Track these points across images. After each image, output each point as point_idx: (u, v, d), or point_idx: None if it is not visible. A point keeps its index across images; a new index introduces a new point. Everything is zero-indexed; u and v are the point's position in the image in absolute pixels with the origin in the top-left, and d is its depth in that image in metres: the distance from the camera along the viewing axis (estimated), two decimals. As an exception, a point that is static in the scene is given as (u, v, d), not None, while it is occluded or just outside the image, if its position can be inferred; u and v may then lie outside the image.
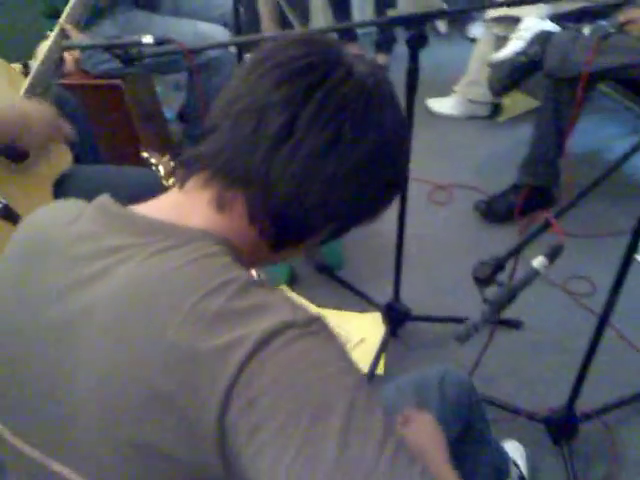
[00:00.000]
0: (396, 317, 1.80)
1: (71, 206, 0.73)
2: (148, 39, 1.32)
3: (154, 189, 1.26)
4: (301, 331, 0.57)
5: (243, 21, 2.10)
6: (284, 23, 2.91)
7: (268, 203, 0.66)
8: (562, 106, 2.05)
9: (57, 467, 0.65)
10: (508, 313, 0.96)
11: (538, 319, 1.86)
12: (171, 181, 1.13)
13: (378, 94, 0.68)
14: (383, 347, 1.76)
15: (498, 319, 1.09)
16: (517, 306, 0.95)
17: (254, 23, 2.94)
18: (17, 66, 1.48)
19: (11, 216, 1.23)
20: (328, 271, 2.03)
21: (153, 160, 1.15)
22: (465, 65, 2.73)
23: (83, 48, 1.38)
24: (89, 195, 0.75)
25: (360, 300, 1.92)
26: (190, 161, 0.69)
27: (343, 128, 0.64)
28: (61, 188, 1.38)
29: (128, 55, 1.33)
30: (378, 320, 1.83)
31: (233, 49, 2.22)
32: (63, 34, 1.38)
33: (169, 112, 2.66)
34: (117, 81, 2.11)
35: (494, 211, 2.22)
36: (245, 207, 0.66)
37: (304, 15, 2.88)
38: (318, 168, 0.65)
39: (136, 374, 0.57)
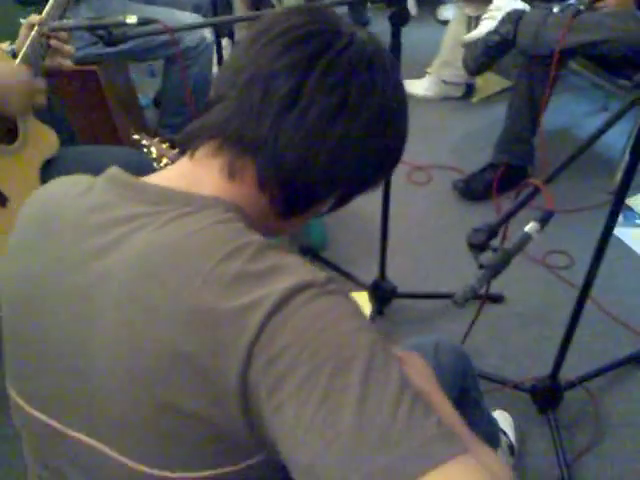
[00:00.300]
0: (382, 295, 1.83)
1: (81, 179, 0.73)
2: (132, 19, 1.31)
3: (142, 167, 1.26)
4: (319, 290, 0.58)
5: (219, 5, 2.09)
6: (256, 7, 2.90)
7: (277, 169, 0.67)
8: (535, 84, 2.09)
9: (75, 434, 0.65)
10: (490, 288, 0.98)
11: (520, 293, 1.90)
12: (163, 162, 1.13)
13: (379, 60, 0.69)
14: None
15: (484, 292, 1.12)
16: (499, 281, 0.97)
17: (227, 8, 2.92)
18: (2, 45, 1.45)
19: (1, 198, 1.23)
20: (312, 252, 2.04)
21: (145, 142, 1.14)
22: (436, 47, 2.76)
23: (67, 29, 1.35)
24: (74, 172, 0.75)
25: (346, 280, 1.94)
26: (199, 130, 0.70)
27: (349, 92, 0.66)
28: (48, 170, 1.37)
29: (111, 36, 1.32)
30: (365, 299, 1.85)
31: (210, 38, 2.20)
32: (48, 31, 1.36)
33: (144, 99, 2.63)
34: (93, 67, 2.08)
35: (472, 189, 2.26)
36: (255, 174, 0.67)
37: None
38: (325, 132, 0.66)
39: (157, 336, 0.58)
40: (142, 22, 1.32)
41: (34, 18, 1.37)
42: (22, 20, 1.99)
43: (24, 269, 0.69)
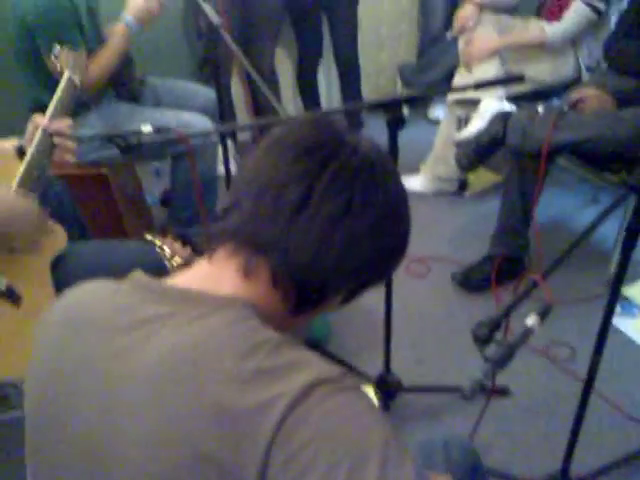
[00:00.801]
0: (388, 389, 1.83)
1: (107, 283, 0.77)
2: (147, 128, 1.40)
3: (152, 261, 1.30)
4: (335, 386, 0.61)
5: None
6: (257, 113, 3.06)
7: (290, 268, 0.71)
8: (526, 179, 2.19)
9: None
10: (495, 381, 1.00)
11: (525, 386, 1.90)
12: (175, 260, 1.18)
13: (381, 166, 0.75)
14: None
15: (490, 386, 1.14)
16: (503, 373, 0.99)
17: (230, 110, 3.07)
18: (11, 141, 1.52)
19: (13, 297, 1.26)
20: (316, 345, 2.05)
21: (158, 242, 1.20)
22: (428, 145, 2.89)
23: (89, 139, 1.44)
24: (88, 272, 0.79)
25: (350, 374, 1.94)
26: (217, 235, 0.75)
27: (354, 196, 0.71)
28: (59, 267, 1.41)
29: (128, 144, 1.40)
30: (370, 394, 1.85)
31: (214, 137, 2.32)
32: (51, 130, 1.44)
33: (151, 198, 2.72)
34: (103, 170, 2.18)
35: (471, 281, 2.31)
36: (269, 273, 0.72)
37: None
38: (333, 233, 0.71)
39: (178, 436, 0.60)
40: (157, 130, 1.41)
41: (39, 117, 1.45)
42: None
43: (49, 370, 0.72)
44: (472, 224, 2.71)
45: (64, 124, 1.43)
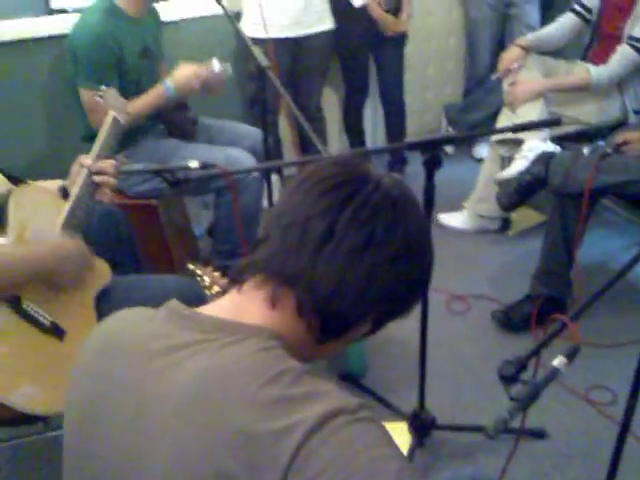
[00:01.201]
0: (422, 426, 1.83)
1: (143, 310, 0.83)
2: (194, 163, 1.48)
3: (192, 295, 1.35)
4: (351, 417, 0.64)
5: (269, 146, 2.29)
6: (303, 149, 3.14)
7: (314, 298, 0.75)
8: (568, 220, 2.18)
9: None
10: (532, 422, 1.01)
11: (562, 429, 1.87)
12: (214, 290, 1.23)
13: (403, 201, 0.79)
14: (410, 458, 1.77)
15: (521, 426, 1.14)
16: (540, 415, 0.99)
17: (278, 148, 3.16)
18: (56, 182, 1.59)
19: (58, 332, 1.29)
20: (352, 379, 2.07)
21: (198, 271, 1.26)
22: (472, 183, 2.91)
23: (138, 173, 1.53)
24: (132, 305, 0.85)
25: (384, 408, 1.95)
26: (246, 267, 0.80)
27: (375, 231, 0.75)
28: (103, 301, 1.45)
29: (175, 178, 1.49)
30: (404, 430, 1.86)
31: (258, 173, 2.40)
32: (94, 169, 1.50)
33: (198, 229, 2.82)
34: (154, 201, 2.28)
35: (511, 320, 2.29)
36: (294, 303, 0.76)
37: (323, 142, 3.10)
38: (355, 265, 0.74)
39: (203, 456, 0.64)
40: (204, 166, 1.49)
41: (84, 158, 1.52)
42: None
43: (85, 394, 0.78)
44: (514, 263, 2.70)
45: (108, 164, 1.50)
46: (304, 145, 3.16)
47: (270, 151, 2.14)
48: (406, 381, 1.98)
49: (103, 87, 1.65)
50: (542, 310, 2.23)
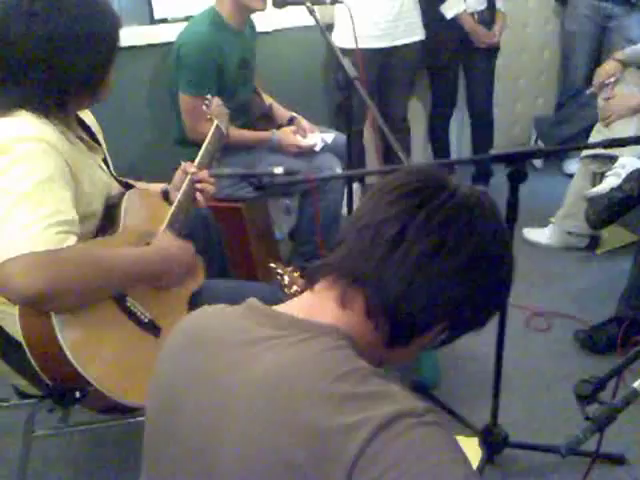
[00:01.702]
0: (494, 443, 1.80)
1: (224, 307, 0.87)
2: (279, 170, 1.53)
3: (273, 300, 1.39)
4: (418, 419, 0.66)
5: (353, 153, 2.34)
6: (386, 158, 3.16)
7: (382, 300, 0.77)
8: (662, 241, 2.09)
9: None
10: (610, 446, 0.98)
11: (643, 456, 1.79)
12: (293, 289, 1.27)
13: (479, 210, 0.79)
14: (480, 473, 1.75)
15: (598, 452, 1.11)
16: (622, 441, 0.96)
17: (361, 156, 3.19)
18: (159, 185, 1.68)
19: (155, 330, 1.36)
20: (424, 390, 2.06)
21: (279, 270, 1.31)
22: (560, 198, 2.83)
23: (226, 176, 1.60)
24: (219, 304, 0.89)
25: (456, 422, 1.93)
26: (320, 267, 0.83)
27: (446, 237, 0.76)
28: (194, 301, 1.51)
29: (261, 183, 1.55)
30: (475, 444, 1.83)
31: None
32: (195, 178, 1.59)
33: (279, 233, 2.89)
34: (239, 204, 2.37)
35: (595, 342, 2.21)
36: (363, 304, 0.78)
37: (406, 153, 3.11)
38: (424, 270, 0.76)
39: (273, 446, 0.67)
40: (287, 172, 1.54)
41: (189, 166, 1.61)
42: (183, 163, 2.33)
43: (166, 385, 0.83)
44: (600, 283, 2.60)
45: (206, 174, 1.59)
46: (387, 155, 3.18)
47: (353, 159, 2.17)
48: (480, 396, 1.95)
49: (209, 96, 1.73)
50: (628, 333, 2.15)
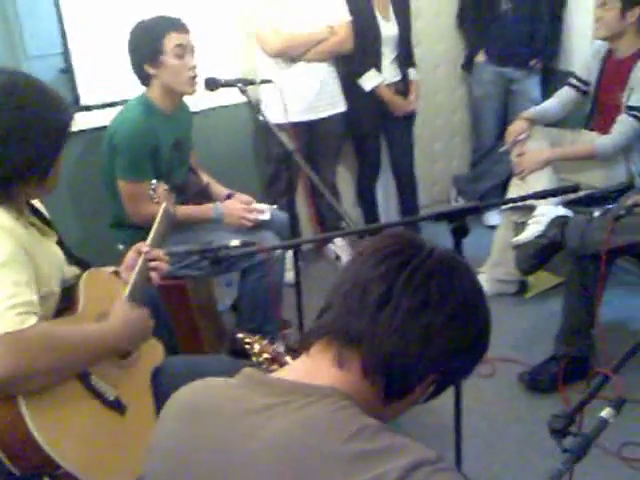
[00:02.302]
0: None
1: (219, 379, 0.89)
2: (236, 242, 1.57)
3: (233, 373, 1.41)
4: (433, 467, 0.69)
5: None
6: (321, 225, 3.26)
7: (377, 357, 0.81)
8: (587, 280, 2.25)
9: None
10: None
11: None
12: (264, 356, 1.30)
13: (456, 266, 0.86)
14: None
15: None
16: (575, 475, 1.03)
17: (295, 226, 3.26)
18: (109, 268, 1.67)
19: (120, 407, 1.35)
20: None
21: (248, 340, 1.33)
22: (484, 249, 3.00)
23: (182, 253, 1.62)
24: (182, 382, 0.91)
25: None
26: (313, 331, 0.87)
27: (430, 292, 0.82)
28: (157, 378, 1.52)
29: (217, 257, 1.57)
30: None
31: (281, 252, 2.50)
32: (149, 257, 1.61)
33: (221, 305, 2.89)
34: (183, 281, 2.36)
35: (538, 382, 2.33)
36: (359, 362, 0.81)
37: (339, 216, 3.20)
38: (414, 325, 0.81)
39: None
40: (244, 244, 1.58)
41: (142, 245, 1.63)
42: (119, 246, 2.32)
43: (170, 457, 0.83)
44: (534, 325, 2.75)
45: (161, 252, 1.62)
46: (322, 221, 3.28)
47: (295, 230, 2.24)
48: (441, 447, 1.99)
49: (154, 181, 1.76)
50: (567, 370, 2.28)
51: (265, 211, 2.44)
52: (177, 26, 2.26)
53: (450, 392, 1.71)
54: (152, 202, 1.72)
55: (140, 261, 1.58)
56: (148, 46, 2.25)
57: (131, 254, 1.63)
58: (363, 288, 0.83)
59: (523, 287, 3.00)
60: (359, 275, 0.85)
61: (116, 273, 1.63)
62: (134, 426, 1.37)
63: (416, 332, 0.81)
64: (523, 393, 2.34)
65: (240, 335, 1.36)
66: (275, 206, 2.62)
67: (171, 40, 2.23)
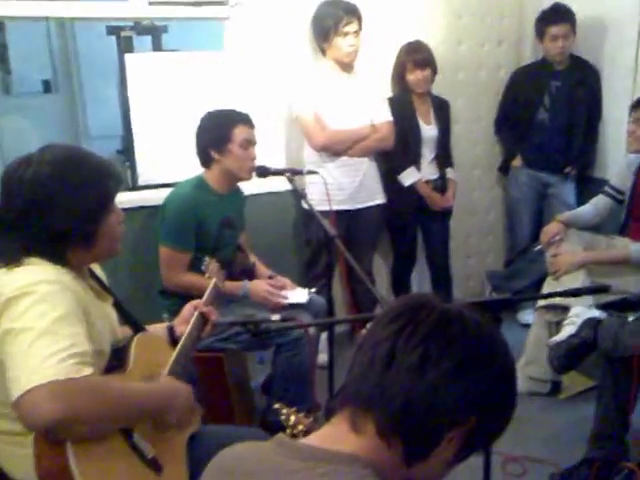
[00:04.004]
0: None
1: (257, 443, 0.96)
2: (276, 317, 1.66)
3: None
4: None
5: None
6: (357, 310, 3.32)
7: (388, 416, 0.84)
8: (620, 383, 2.24)
9: None
10: None
11: None
12: (299, 428, 1.34)
13: (457, 320, 0.87)
14: None
15: None
16: None
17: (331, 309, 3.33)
18: (163, 324, 1.78)
19: (157, 467, 1.40)
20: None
21: (284, 410, 1.38)
22: (517, 346, 3.00)
23: (226, 324, 1.72)
24: (218, 450, 0.97)
25: None
26: (335, 398, 0.93)
27: (428, 348, 0.85)
28: (193, 443, 1.57)
29: (258, 329, 1.66)
30: None
31: (313, 331, 2.58)
32: (202, 317, 1.72)
33: (254, 383, 2.92)
34: (220, 354, 2.43)
35: (569, 485, 2.28)
36: (374, 425, 0.86)
37: (374, 304, 3.26)
38: (418, 380, 0.84)
39: None
40: (284, 319, 1.67)
41: (198, 302, 1.75)
42: (164, 315, 2.42)
43: None
44: (568, 427, 2.71)
45: (212, 309, 1.72)
46: (358, 307, 3.34)
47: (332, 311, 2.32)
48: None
49: (206, 258, 1.90)
50: (599, 474, 2.23)
51: (299, 295, 2.54)
52: (247, 121, 2.50)
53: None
54: (191, 273, 1.82)
55: (194, 317, 1.69)
56: (218, 133, 2.46)
57: (188, 307, 1.76)
58: (371, 350, 0.88)
59: (557, 388, 2.97)
60: (370, 339, 0.90)
61: (171, 328, 1.73)
62: None
63: (422, 389, 0.84)
64: (554, 496, 2.29)
65: (277, 406, 1.41)
66: (314, 289, 2.72)
67: (241, 132, 2.46)
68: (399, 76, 3.30)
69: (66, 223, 1.38)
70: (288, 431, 1.40)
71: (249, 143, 2.49)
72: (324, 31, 3.03)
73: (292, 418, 1.36)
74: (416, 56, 3.22)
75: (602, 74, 3.47)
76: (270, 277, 2.69)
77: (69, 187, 1.38)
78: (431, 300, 0.91)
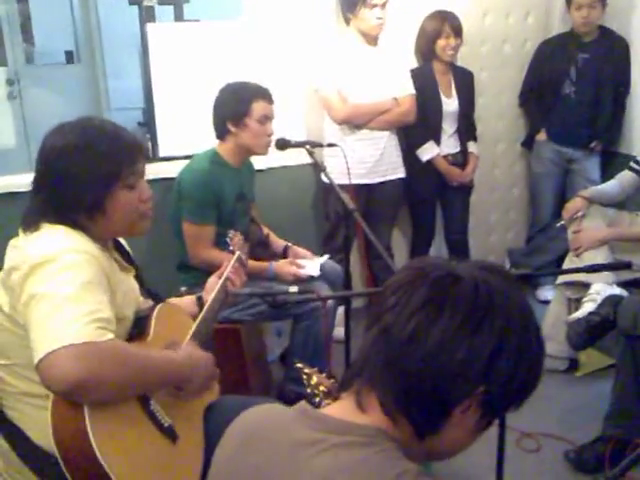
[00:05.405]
0: None
1: (276, 408, 0.97)
2: (294, 289, 1.67)
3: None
4: None
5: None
6: (375, 284, 3.33)
7: (391, 394, 0.84)
8: (638, 361, 2.23)
9: None
10: None
11: None
12: (321, 389, 1.35)
13: (456, 281, 0.83)
14: None
15: None
16: None
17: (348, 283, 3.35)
18: (191, 297, 1.81)
19: (173, 435, 1.41)
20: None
21: (306, 370, 1.39)
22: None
23: (245, 295, 1.73)
24: (232, 420, 0.98)
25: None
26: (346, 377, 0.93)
27: (423, 315, 0.81)
28: (209, 414, 1.59)
29: (276, 301, 1.67)
30: None
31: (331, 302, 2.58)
32: (225, 285, 1.74)
33: (270, 355, 2.96)
34: (237, 326, 2.46)
35: (584, 461, 2.28)
36: (378, 404, 0.85)
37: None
38: (413, 351, 0.81)
39: None
40: (302, 291, 1.67)
41: (221, 271, 1.79)
42: (182, 288, 2.45)
43: (227, 475, 0.90)
44: (585, 404, 2.71)
45: (243, 277, 1.77)
46: (375, 281, 3.35)
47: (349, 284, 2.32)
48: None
49: (231, 231, 1.92)
50: (615, 451, 2.22)
51: (313, 267, 2.55)
52: (266, 96, 2.48)
53: (489, 462, 1.72)
54: (216, 248, 1.83)
55: (220, 283, 1.73)
56: (236, 106, 2.45)
57: (213, 278, 1.79)
58: (373, 328, 0.87)
59: (574, 365, 2.96)
60: (372, 316, 0.89)
61: (200, 297, 1.77)
62: (182, 456, 1.44)
63: (417, 357, 0.81)
64: (567, 472, 2.29)
65: (299, 365, 1.42)
66: (327, 256, 2.71)
67: (259, 107, 2.45)
68: (428, 44, 3.23)
69: (74, 189, 1.40)
70: (309, 390, 1.39)
71: (267, 119, 2.48)
72: (351, 1, 2.98)
73: (314, 378, 1.37)
74: (455, 22, 3.17)
75: (632, 47, 3.38)
76: (285, 247, 2.69)
77: (84, 158, 1.39)
78: (425, 266, 0.87)
